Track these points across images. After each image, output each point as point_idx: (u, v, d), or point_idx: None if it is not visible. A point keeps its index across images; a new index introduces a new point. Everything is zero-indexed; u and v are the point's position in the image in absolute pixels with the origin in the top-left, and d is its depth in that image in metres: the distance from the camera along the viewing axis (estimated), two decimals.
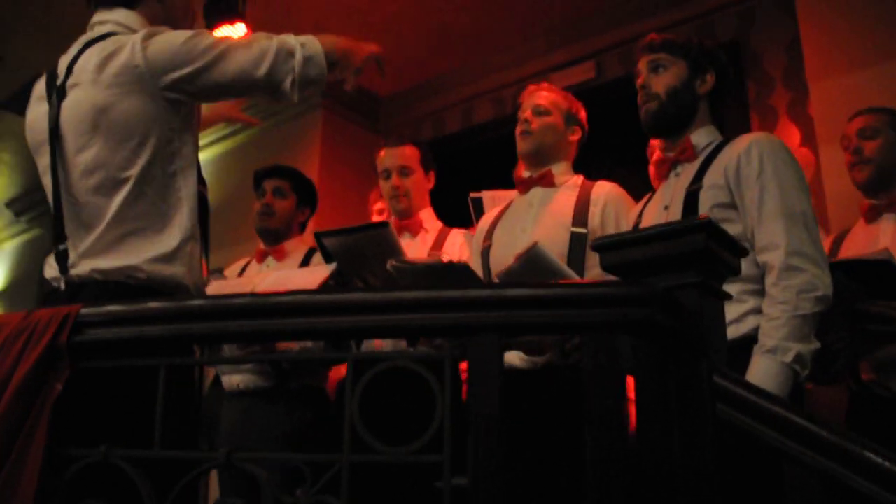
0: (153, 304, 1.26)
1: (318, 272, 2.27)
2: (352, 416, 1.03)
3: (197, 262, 1.58)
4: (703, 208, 1.73)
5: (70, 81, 1.56)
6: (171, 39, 1.53)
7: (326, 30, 4.32)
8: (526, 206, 2.27)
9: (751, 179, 1.70)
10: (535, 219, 2.20)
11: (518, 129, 2.27)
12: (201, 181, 1.66)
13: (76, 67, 1.57)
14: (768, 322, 1.58)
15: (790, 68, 3.55)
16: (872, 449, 0.95)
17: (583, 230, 2.11)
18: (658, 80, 1.90)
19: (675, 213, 1.77)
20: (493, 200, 2.72)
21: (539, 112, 2.26)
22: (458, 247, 2.63)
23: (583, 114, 2.36)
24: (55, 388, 1.25)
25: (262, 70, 1.54)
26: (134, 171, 1.52)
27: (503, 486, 0.96)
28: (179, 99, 1.55)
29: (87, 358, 1.27)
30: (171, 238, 1.52)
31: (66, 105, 1.55)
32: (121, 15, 1.64)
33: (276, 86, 1.58)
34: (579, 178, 2.28)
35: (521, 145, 2.27)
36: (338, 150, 4.98)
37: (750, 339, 1.60)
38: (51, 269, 1.57)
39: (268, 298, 1.15)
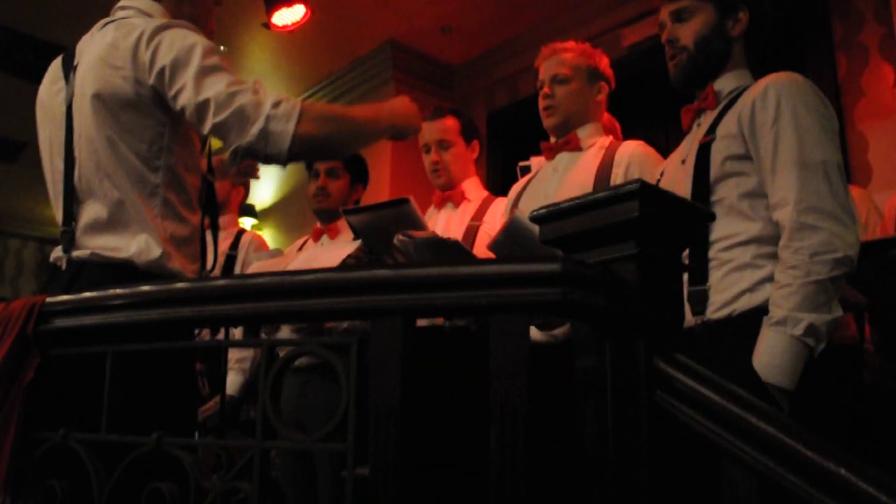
0: (110, 293, 1.27)
1: (344, 249, 2.25)
2: (264, 403, 1.00)
3: (195, 251, 1.58)
4: (715, 161, 1.56)
5: (82, 62, 1.58)
6: (176, 42, 1.51)
7: (391, 3, 4.30)
8: (551, 171, 2.15)
9: (766, 127, 1.50)
10: (559, 184, 2.09)
11: (541, 105, 2.15)
12: (210, 171, 1.66)
13: (88, 49, 1.59)
14: (778, 290, 1.40)
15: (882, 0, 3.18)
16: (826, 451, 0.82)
17: None
18: (684, 29, 1.71)
19: (690, 168, 1.61)
20: (540, 166, 2.61)
21: (559, 81, 2.13)
22: (499, 215, 2.54)
23: (604, 64, 2.19)
24: (27, 375, 1.30)
25: (218, 118, 1.46)
26: (129, 158, 1.52)
27: (403, 478, 0.90)
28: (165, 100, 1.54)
29: (54, 346, 1.30)
30: (164, 223, 1.52)
31: (76, 85, 1.57)
32: (143, 2, 1.66)
33: (223, 140, 1.51)
34: (607, 140, 2.14)
35: (547, 121, 2.15)
36: None
37: (765, 311, 1.42)
38: (57, 250, 1.60)
39: (172, 287, 1.13)
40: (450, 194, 2.66)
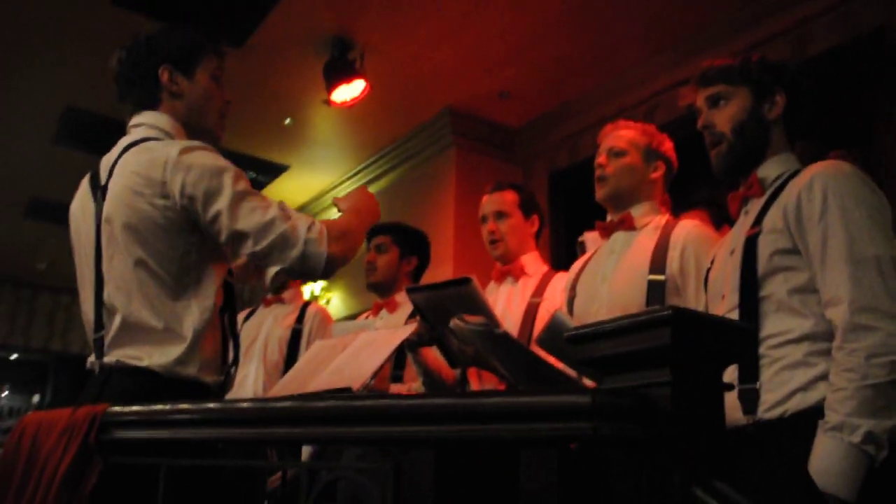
0: (162, 408, 1.33)
1: (399, 334, 2.28)
2: None
3: (215, 359, 1.63)
4: (763, 256, 1.51)
5: (111, 182, 1.65)
6: (206, 168, 1.57)
7: (448, 73, 4.39)
8: (607, 252, 2.14)
9: (813, 221, 1.45)
10: (615, 266, 2.07)
11: (595, 176, 2.15)
12: (230, 273, 1.72)
13: (115, 169, 1.66)
14: (833, 393, 1.33)
15: None
16: None
17: (660, 277, 1.95)
18: (720, 115, 1.68)
19: (738, 261, 1.58)
20: (596, 243, 2.60)
21: (614, 153, 2.13)
22: (560, 291, 2.53)
23: (667, 146, 2.18)
24: (90, 481, 1.36)
25: (259, 246, 1.56)
26: (158, 277, 1.59)
27: None
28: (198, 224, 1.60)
29: (115, 454, 1.36)
30: (181, 336, 1.57)
31: (107, 204, 1.64)
32: (150, 117, 1.72)
33: (261, 263, 1.61)
34: (663, 219, 2.11)
35: (599, 192, 2.14)
36: (473, 185, 5.00)
37: (819, 412, 1.36)
38: (91, 355, 1.68)
39: (204, 408, 1.16)
40: (509, 268, 2.67)
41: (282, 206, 1.61)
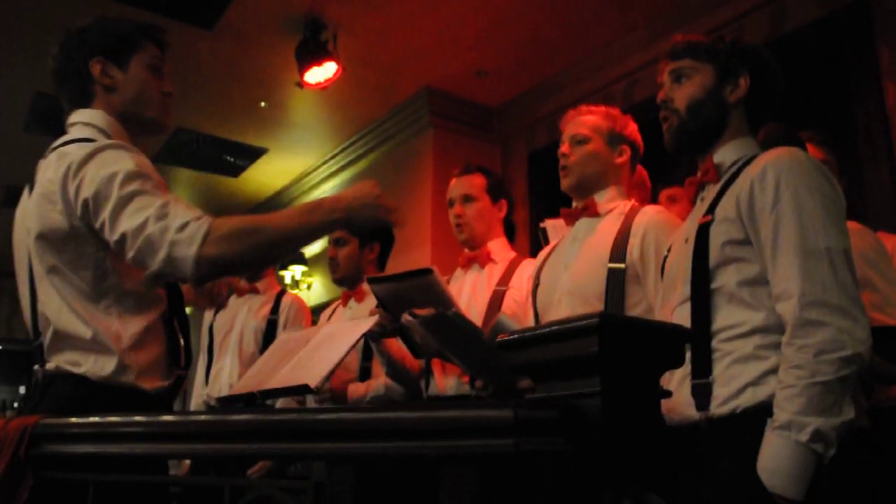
0: (91, 420, 1.28)
1: (361, 326, 2.24)
2: None
3: (156, 365, 1.57)
4: (714, 246, 1.46)
5: (35, 184, 1.59)
6: (99, 174, 1.49)
7: (424, 52, 4.32)
8: (571, 240, 2.09)
9: (765, 211, 1.39)
10: (577, 254, 2.02)
11: (559, 165, 2.09)
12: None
13: (36, 176, 1.60)
14: (781, 390, 1.28)
15: None
16: None
17: (620, 265, 1.90)
18: (680, 91, 1.62)
19: (690, 251, 1.52)
20: (557, 231, 2.55)
21: (577, 141, 2.07)
22: (526, 279, 2.48)
23: (631, 128, 2.11)
24: (21, 496, 1.31)
25: (132, 252, 1.46)
26: (75, 285, 1.53)
27: None
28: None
29: (46, 469, 1.31)
30: (113, 344, 1.52)
31: (29, 205, 1.59)
32: (85, 115, 1.64)
33: (140, 269, 1.50)
34: (628, 204, 2.06)
35: (563, 182, 2.08)
36: (452, 166, 4.92)
37: (770, 407, 1.31)
38: (36, 359, 1.62)
39: (132, 420, 1.12)
40: (475, 255, 2.61)
41: (163, 205, 1.46)
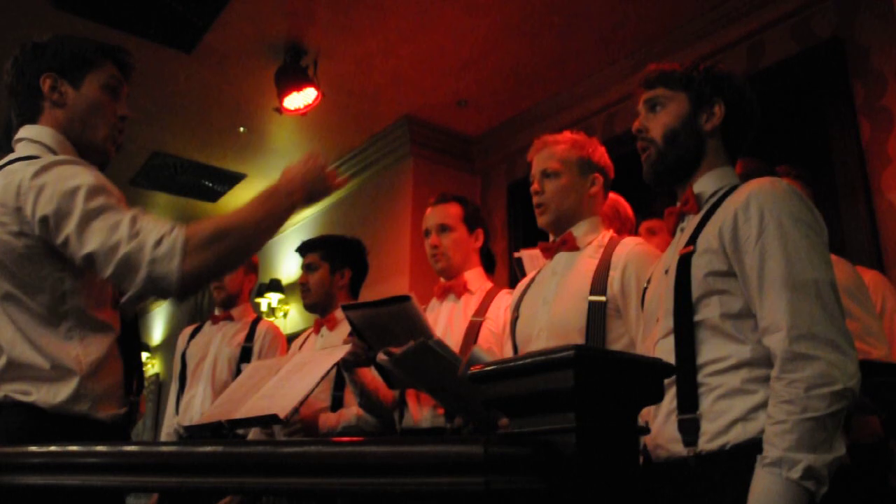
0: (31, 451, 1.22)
1: (334, 354, 2.19)
2: None
3: (112, 392, 1.51)
4: (696, 277, 1.43)
5: None
6: (57, 187, 1.44)
7: (405, 80, 4.32)
8: (550, 273, 2.05)
9: (749, 243, 1.37)
10: (557, 288, 1.98)
11: (533, 202, 2.06)
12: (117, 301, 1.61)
13: None
14: (771, 426, 1.25)
15: None
16: None
17: (601, 298, 1.86)
18: (655, 120, 1.59)
19: (671, 282, 1.50)
20: (533, 261, 2.52)
21: (548, 175, 2.03)
22: (503, 310, 2.45)
23: (600, 153, 2.09)
24: None
25: (107, 272, 1.41)
26: (32, 310, 1.47)
27: None
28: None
29: None
30: (66, 370, 1.46)
31: None
32: (31, 131, 1.58)
33: (117, 287, 1.48)
34: (606, 235, 2.03)
35: (540, 220, 2.05)
36: (431, 194, 4.91)
37: (760, 443, 1.27)
38: None
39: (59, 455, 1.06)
40: (451, 285, 2.57)
41: (133, 221, 1.43)
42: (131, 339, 1.59)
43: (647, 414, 1.50)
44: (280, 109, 4.07)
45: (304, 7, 3.79)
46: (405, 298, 2.20)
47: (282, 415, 1.90)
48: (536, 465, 0.87)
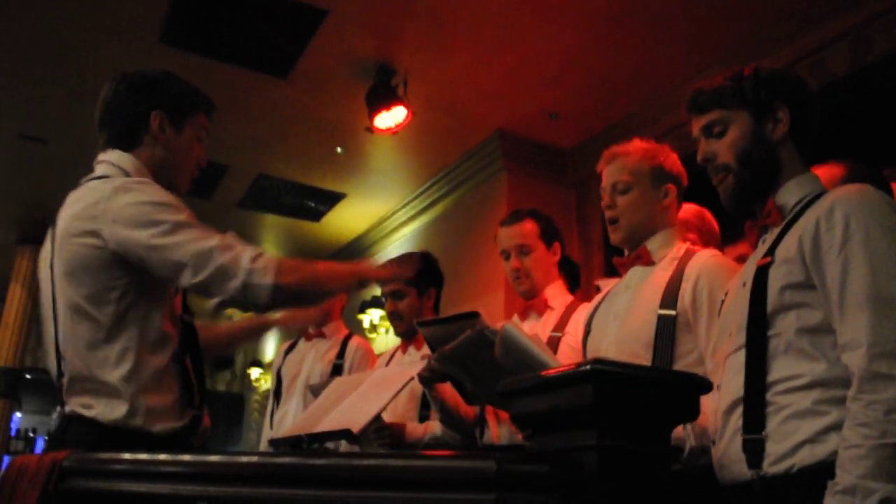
0: (123, 458, 1.30)
1: (409, 370, 2.21)
2: None
3: (168, 406, 1.58)
4: (773, 289, 1.35)
5: (58, 223, 1.63)
6: (135, 204, 1.54)
7: (494, 95, 4.33)
8: (623, 288, 1.99)
9: (832, 252, 1.28)
10: (629, 302, 1.92)
11: (606, 218, 2.01)
12: (185, 310, 1.69)
13: (60, 212, 1.64)
14: (846, 450, 1.16)
15: None
16: None
17: (671, 312, 1.79)
18: (720, 145, 1.50)
19: (747, 295, 1.42)
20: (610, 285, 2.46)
21: (620, 191, 1.96)
22: (581, 324, 2.40)
23: (671, 162, 2.00)
24: None
25: (197, 278, 1.52)
26: (97, 320, 1.55)
27: None
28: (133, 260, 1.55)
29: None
30: (123, 391, 1.53)
31: (52, 255, 1.63)
32: (114, 156, 1.66)
33: (202, 294, 1.57)
34: (682, 248, 1.95)
35: (613, 237, 1.99)
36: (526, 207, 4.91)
37: (829, 468, 1.19)
38: (57, 400, 1.65)
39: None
40: (533, 303, 2.54)
41: (223, 236, 1.56)
42: (192, 354, 1.66)
43: (715, 433, 1.44)
44: (371, 129, 4.17)
45: (392, 29, 3.88)
46: (474, 314, 2.20)
47: (355, 429, 1.93)
48: (554, 484, 0.85)
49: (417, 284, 2.89)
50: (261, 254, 1.55)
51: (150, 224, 1.52)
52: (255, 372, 8.32)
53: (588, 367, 0.85)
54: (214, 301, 1.53)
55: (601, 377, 0.85)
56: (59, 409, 1.60)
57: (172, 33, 3.96)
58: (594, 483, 0.85)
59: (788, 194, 1.48)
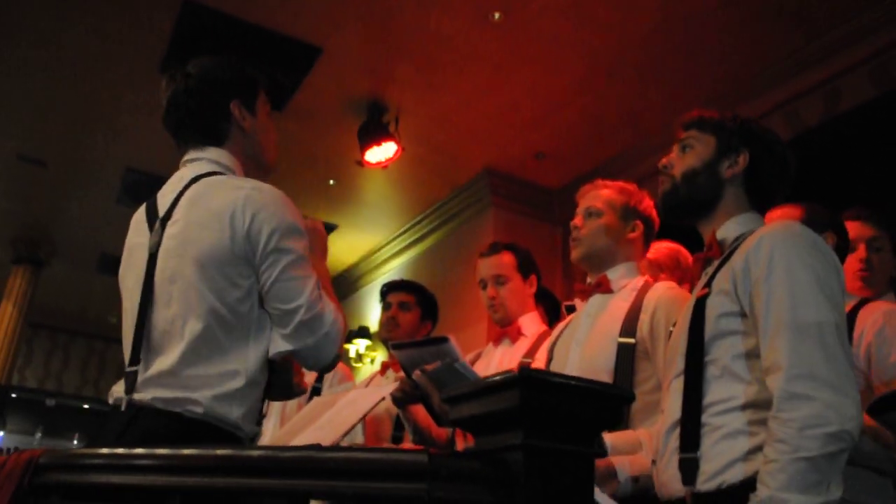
0: (98, 452, 1.36)
1: (382, 391, 2.28)
2: None
3: (256, 408, 1.56)
4: (710, 318, 1.45)
5: (173, 216, 1.60)
6: (274, 214, 1.52)
7: (483, 134, 4.46)
8: (584, 316, 2.08)
9: (759, 284, 1.38)
10: (589, 330, 2.02)
11: (571, 237, 2.12)
12: None
13: (182, 202, 1.60)
14: (765, 465, 1.24)
15: None
16: None
17: (630, 340, 1.88)
18: (681, 160, 1.64)
19: (687, 324, 1.52)
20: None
21: (590, 214, 2.09)
22: (545, 350, 2.49)
23: (646, 204, 2.12)
24: None
25: (290, 324, 1.50)
26: (207, 309, 1.51)
27: None
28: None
29: (47, 498, 1.40)
30: (235, 379, 1.50)
31: (166, 237, 1.59)
32: (213, 153, 1.66)
33: (279, 333, 1.54)
34: (641, 280, 2.05)
35: (572, 254, 2.10)
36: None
37: (755, 483, 1.25)
38: (118, 388, 1.58)
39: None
40: (507, 331, 2.64)
41: (316, 285, 1.54)
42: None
43: (657, 453, 1.52)
44: (361, 162, 4.29)
45: (386, 67, 4.02)
46: (444, 339, 2.29)
47: (324, 445, 2.00)
48: (483, 479, 0.93)
49: (423, 307, 2.99)
50: (339, 316, 1.54)
51: (278, 248, 1.51)
52: None
53: (517, 373, 0.94)
54: (284, 347, 1.50)
55: (528, 383, 0.93)
56: (121, 396, 1.54)
57: (173, 63, 4.09)
58: (520, 479, 0.93)
59: (729, 230, 1.59)
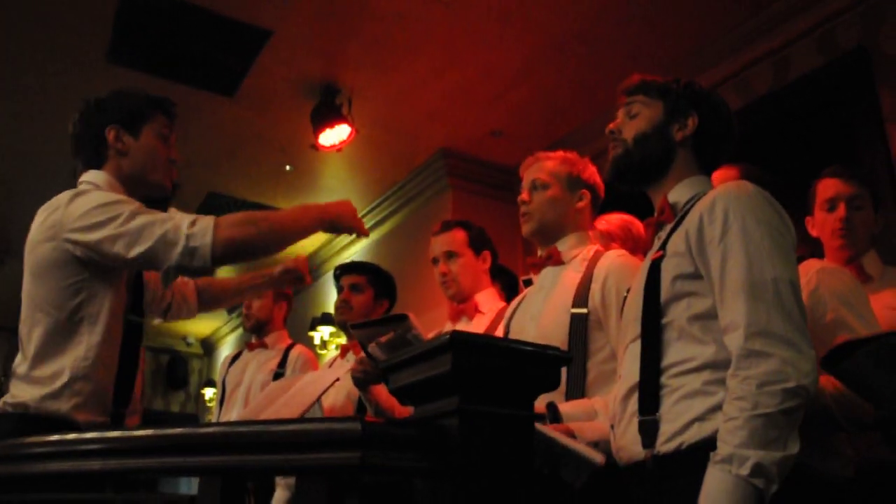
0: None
1: (339, 370, 2.27)
2: None
3: (97, 399, 1.65)
4: (665, 280, 1.45)
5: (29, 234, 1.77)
6: (88, 203, 1.67)
7: (438, 114, 4.44)
8: (537, 289, 2.09)
9: (713, 243, 1.39)
10: (543, 303, 2.02)
11: (520, 212, 2.12)
12: (131, 311, 1.78)
13: (33, 222, 1.77)
14: (724, 423, 1.25)
15: None
16: None
17: (583, 310, 1.89)
18: (629, 125, 1.65)
19: (641, 287, 1.52)
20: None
21: (536, 187, 2.08)
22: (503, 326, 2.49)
23: (589, 172, 2.12)
24: None
25: (139, 250, 1.62)
26: (41, 313, 1.66)
27: None
28: (85, 255, 1.67)
29: None
30: (58, 378, 1.62)
31: (25, 254, 1.76)
32: (90, 175, 1.83)
33: (150, 267, 1.72)
34: (591, 249, 2.06)
35: (524, 228, 2.10)
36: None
37: (715, 442, 1.26)
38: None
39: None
40: (463, 307, 2.64)
41: (164, 213, 1.67)
42: (129, 355, 1.73)
43: (614, 418, 1.52)
44: (315, 146, 4.24)
45: (336, 48, 3.97)
46: (404, 317, 2.27)
47: None
48: (418, 445, 0.93)
49: (376, 287, 2.98)
50: (198, 218, 1.66)
51: (105, 209, 1.64)
52: (209, 392, 8.25)
53: (447, 337, 0.93)
54: (162, 268, 1.65)
55: (459, 346, 0.93)
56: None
57: (118, 52, 4.00)
58: (456, 444, 0.92)
59: (680, 193, 1.60)
